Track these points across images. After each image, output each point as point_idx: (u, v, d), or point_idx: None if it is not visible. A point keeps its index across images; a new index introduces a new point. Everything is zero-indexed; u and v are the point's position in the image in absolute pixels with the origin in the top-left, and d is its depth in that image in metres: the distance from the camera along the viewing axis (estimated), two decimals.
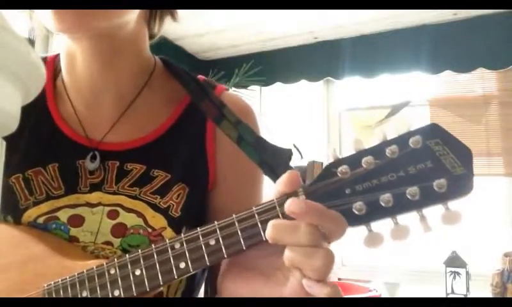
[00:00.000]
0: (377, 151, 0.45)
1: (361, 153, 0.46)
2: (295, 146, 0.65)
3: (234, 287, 0.54)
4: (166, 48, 3.01)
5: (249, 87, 3.11)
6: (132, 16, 0.65)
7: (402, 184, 0.44)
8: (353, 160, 0.46)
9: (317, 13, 2.70)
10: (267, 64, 3.15)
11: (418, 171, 0.44)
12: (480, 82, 2.85)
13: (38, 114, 0.69)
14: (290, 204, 0.44)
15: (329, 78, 3.12)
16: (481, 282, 2.44)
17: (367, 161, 0.45)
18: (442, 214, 0.44)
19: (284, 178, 0.48)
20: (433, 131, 0.44)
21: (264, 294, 0.49)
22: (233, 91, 2.90)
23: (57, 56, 0.74)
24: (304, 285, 0.45)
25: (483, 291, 2.42)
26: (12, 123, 0.33)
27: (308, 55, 3.14)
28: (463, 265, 2.51)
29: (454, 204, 0.44)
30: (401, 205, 0.44)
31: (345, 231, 0.45)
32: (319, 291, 0.44)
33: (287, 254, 0.45)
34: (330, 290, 0.43)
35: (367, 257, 3.01)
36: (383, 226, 0.46)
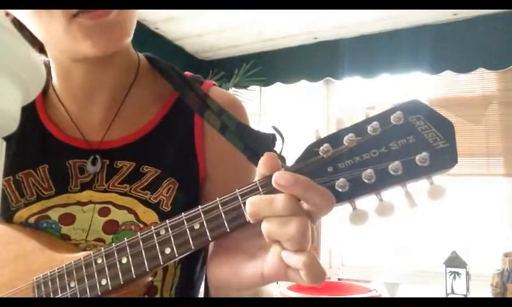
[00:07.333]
0: (359, 128, 0.46)
1: (343, 131, 0.46)
2: (275, 128, 0.65)
3: (218, 270, 0.54)
4: (166, 48, 3.02)
5: (249, 87, 3.12)
6: None
7: (385, 160, 0.44)
8: (335, 139, 0.46)
9: (317, 13, 2.70)
10: (267, 64, 3.15)
11: (401, 147, 0.44)
12: (480, 82, 2.84)
13: (27, 119, 0.70)
14: (277, 177, 0.44)
15: (329, 78, 3.12)
16: (481, 282, 2.43)
17: (348, 139, 0.45)
18: (427, 189, 0.44)
19: (263, 160, 0.48)
20: (415, 106, 0.44)
21: (246, 272, 0.49)
22: (233, 91, 2.90)
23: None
24: (282, 257, 0.45)
25: (483, 291, 2.40)
26: (12, 123, 0.33)
27: (308, 55, 3.14)
28: (463, 265, 2.50)
29: (438, 179, 0.44)
30: (384, 180, 0.44)
31: (332, 206, 0.45)
32: (296, 261, 0.44)
33: (264, 226, 0.45)
34: (306, 258, 0.43)
35: (367, 257, 3.00)
36: (368, 204, 0.46)
